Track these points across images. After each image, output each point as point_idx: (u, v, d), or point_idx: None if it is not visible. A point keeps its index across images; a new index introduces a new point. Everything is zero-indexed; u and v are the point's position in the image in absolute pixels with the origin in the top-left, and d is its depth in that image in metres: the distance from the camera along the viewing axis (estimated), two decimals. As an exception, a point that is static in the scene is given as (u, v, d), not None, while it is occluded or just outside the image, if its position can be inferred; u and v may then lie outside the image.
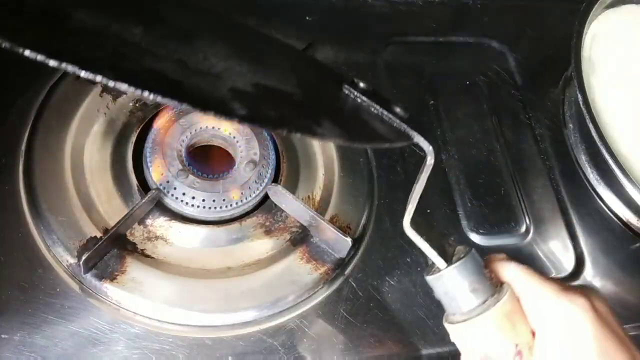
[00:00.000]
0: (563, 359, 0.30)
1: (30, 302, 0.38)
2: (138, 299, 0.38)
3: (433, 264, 0.31)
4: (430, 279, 0.32)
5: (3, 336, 0.36)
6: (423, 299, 0.44)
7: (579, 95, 0.47)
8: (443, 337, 0.43)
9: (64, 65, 0.22)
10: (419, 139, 0.32)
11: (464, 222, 0.49)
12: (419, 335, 0.43)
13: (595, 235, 0.51)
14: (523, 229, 0.50)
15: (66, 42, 0.25)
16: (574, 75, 0.48)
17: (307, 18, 0.56)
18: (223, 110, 0.25)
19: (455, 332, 0.32)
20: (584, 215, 0.51)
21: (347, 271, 0.44)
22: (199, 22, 0.34)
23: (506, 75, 0.58)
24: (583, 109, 0.47)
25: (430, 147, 0.31)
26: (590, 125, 0.46)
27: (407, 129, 0.32)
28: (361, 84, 0.34)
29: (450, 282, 0.31)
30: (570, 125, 0.55)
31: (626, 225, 0.51)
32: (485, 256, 0.32)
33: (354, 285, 0.43)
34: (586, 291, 0.31)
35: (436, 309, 0.44)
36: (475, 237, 0.48)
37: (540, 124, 0.56)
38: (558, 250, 0.49)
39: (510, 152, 0.54)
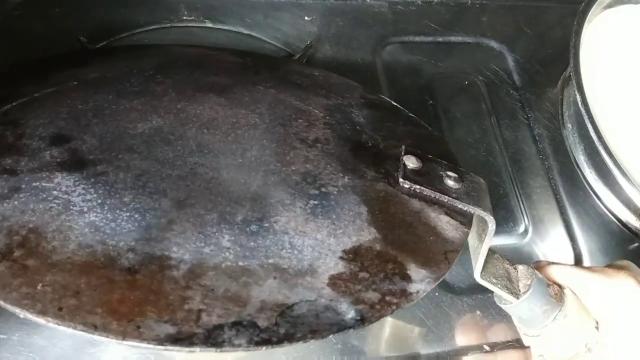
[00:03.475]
0: (628, 334, 0.33)
1: (28, 302, 0.38)
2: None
3: None
4: (504, 307, 0.35)
5: (1, 336, 0.36)
6: (422, 299, 0.44)
7: (578, 95, 0.47)
8: (442, 337, 0.43)
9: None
10: (479, 212, 0.33)
11: (462, 222, 0.49)
12: (418, 335, 0.43)
13: (594, 235, 0.51)
14: (522, 228, 0.50)
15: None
16: (572, 75, 0.48)
17: (307, 18, 0.56)
18: (340, 327, 0.27)
19: (531, 342, 0.36)
20: (583, 215, 0.51)
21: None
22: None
23: (505, 75, 0.59)
24: (582, 109, 0.47)
25: (491, 218, 0.33)
26: (589, 125, 0.46)
27: (467, 206, 0.34)
28: (410, 165, 0.35)
29: (523, 310, 0.34)
30: (569, 125, 0.55)
31: (624, 225, 0.51)
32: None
33: (353, 285, 0.43)
34: (629, 270, 0.35)
35: (435, 309, 0.44)
36: (474, 237, 0.48)
37: (538, 123, 0.56)
38: (557, 250, 0.49)
39: (509, 152, 0.54)
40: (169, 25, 0.52)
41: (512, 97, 0.57)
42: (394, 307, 0.28)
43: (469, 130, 0.54)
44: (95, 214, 0.28)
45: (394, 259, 0.30)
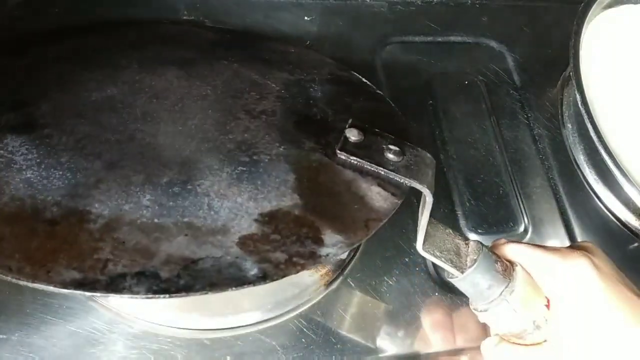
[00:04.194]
0: (578, 314, 0.33)
1: (28, 302, 0.38)
2: (137, 300, 0.38)
3: None
4: (451, 281, 0.35)
5: (1, 336, 0.36)
6: (421, 299, 0.44)
7: (578, 95, 0.47)
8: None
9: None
10: (414, 184, 0.33)
11: (462, 222, 0.49)
12: (418, 335, 0.43)
13: (594, 235, 0.51)
14: (521, 228, 0.50)
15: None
16: (572, 75, 0.48)
17: (306, 18, 0.56)
18: (240, 282, 0.27)
19: (481, 317, 0.36)
20: (582, 215, 0.51)
21: (346, 271, 0.44)
22: (192, 144, 0.34)
23: (505, 75, 0.59)
24: (581, 108, 0.47)
25: (427, 190, 0.32)
26: (589, 125, 0.46)
27: (402, 179, 0.33)
28: (351, 138, 0.34)
29: (468, 284, 0.34)
30: (569, 125, 0.55)
31: (624, 225, 0.51)
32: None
33: (352, 285, 0.44)
34: (585, 250, 0.35)
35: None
36: (473, 237, 0.48)
37: (538, 123, 0.56)
38: (556, 250, 0.49)
39: (509, 151, 0.54)
40: (168, 25, 0.52)
41: (512, 97, 0.57)
42: (299, 267, 0.29)
43: (469, 130, 0.54)
44: (32, 171, 0.30)
45: (310, 224, 0.31)
